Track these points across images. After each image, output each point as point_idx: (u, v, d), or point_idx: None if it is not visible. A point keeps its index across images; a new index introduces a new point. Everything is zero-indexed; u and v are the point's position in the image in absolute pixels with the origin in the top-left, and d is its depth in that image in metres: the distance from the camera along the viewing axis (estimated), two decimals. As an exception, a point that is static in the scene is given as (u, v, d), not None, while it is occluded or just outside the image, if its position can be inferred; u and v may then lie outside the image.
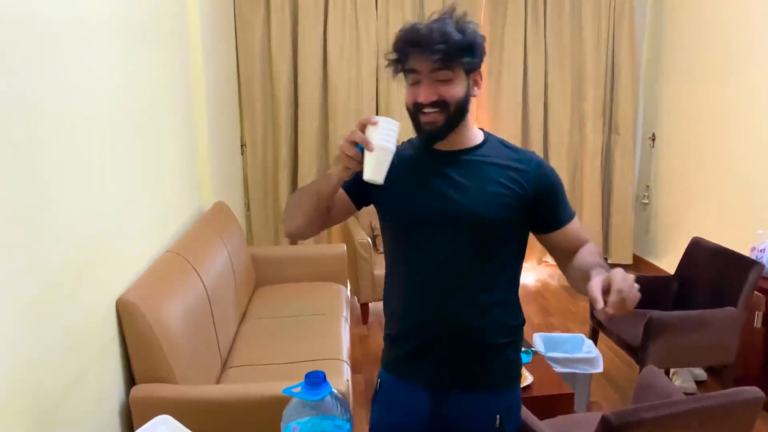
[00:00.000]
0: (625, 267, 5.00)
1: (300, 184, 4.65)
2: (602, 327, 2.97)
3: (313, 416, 1.05)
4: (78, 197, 1.74)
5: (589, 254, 1.31)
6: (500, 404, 1.40)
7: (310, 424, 1.05)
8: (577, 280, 1.26)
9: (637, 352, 2.64)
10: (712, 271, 2.88)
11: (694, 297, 2.94)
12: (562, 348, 2.80)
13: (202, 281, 2.46)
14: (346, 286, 3.61)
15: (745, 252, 3.03)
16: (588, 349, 2.73)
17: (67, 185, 1.67)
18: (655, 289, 3.08)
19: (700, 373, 3.14)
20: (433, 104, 1.25)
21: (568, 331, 3.82)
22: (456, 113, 1.28)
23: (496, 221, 1.30)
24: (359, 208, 1.43)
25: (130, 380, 1.99)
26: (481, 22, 4.75)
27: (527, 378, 2.28)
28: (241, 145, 4.56)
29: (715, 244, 2.95)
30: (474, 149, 1.35)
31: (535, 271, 5.11)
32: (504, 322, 1.38)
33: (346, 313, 3.15)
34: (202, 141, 3.29)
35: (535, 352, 2.52)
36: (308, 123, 4.56)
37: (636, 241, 5.08)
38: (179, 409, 1.90)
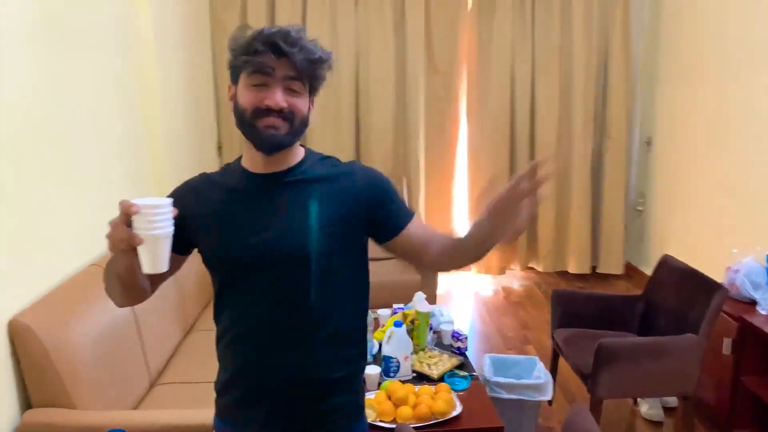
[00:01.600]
0: (616, 277, 4.82)
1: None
2: (561, 350, 2.81)
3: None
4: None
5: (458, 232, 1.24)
6: None
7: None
8: (462, 246, 1.20)
9: (588, 380, 2.47)
10: (677, 293, 2.69)
11: (658, 320, 2.75)
12: (513, 371, 2.65)
13: (128, 296, 2.38)
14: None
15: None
16: (538, 374, 2.56)
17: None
18: (621, 310, 2.90)
19: (671, 398, 2.95)
20: (280, 112, 1.15)
21: (541, 346, 3.65)
22: (299, 129, 1.19)
23: (327, 251, 1.19)
24: (187, 253, 1.28)
25: (27, 404, 1.92)
26: (467, 22, 4.59)
27: (457, 407, 2.14)
28: (218, 147, 4.49)
29: (683, 263, 2.75)
30: (295, 168, 1.24)
31: (519, 278, 4.95)
32: (340, 354, 1.26)
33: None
34: (157, 143, 3.21)
35: (474, 378, 2.37)
36: (285, 124, 4.46)
37: (630, 250, 4.87)
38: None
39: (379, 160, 4.59)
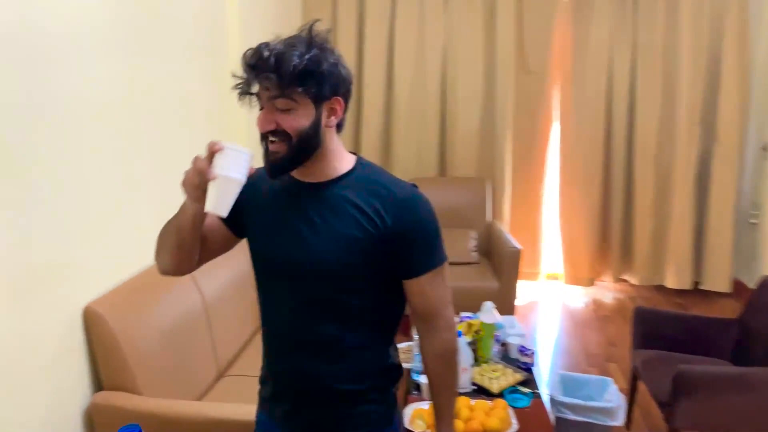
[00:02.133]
0: (722, 295, 4.41)
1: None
2: (639, 373, 2.61)
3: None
4: (66, 198, 1.90)
5: (439, 375, 1.29)
6: None
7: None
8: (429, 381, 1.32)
9: (666, 409, 2.28)
10: (777, 320, 2.41)
11: (754, 348, 2.48)
12: (583, 392, 2.49)
13: (201, 291, 2.49)
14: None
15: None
16: (610, 396, 2.39)
17: (57, 183, 1.85)
18: (712, 334, 2.64)
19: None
20: (274, 133, 1.12)
21: (625, 364, 3.42)
22: (300, 145, 1.13)
23: (346, 271, 1.17)
24: (240, 236, 1.32)
25: (99, 386, 2.06)
26: (562, 17, 4.37)
27: (512, 425, 2.05)
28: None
29: (786, 287, 2.47)
30: (336, 181, 1.20)
31: (612, 290, 4.66)
32: (360, 368, 1.25)
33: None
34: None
35: (537, 396, 2.26)
36: (370, 122, 4.50)
37: (740, 265, 4.43)
38: (138, 420, 1.94)
39: (462, 161, 4.51)
